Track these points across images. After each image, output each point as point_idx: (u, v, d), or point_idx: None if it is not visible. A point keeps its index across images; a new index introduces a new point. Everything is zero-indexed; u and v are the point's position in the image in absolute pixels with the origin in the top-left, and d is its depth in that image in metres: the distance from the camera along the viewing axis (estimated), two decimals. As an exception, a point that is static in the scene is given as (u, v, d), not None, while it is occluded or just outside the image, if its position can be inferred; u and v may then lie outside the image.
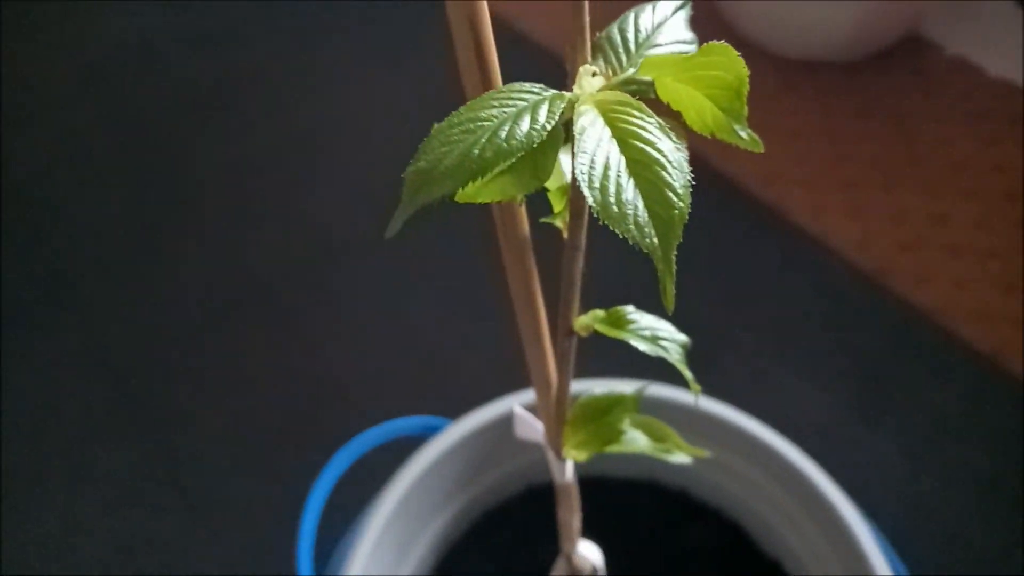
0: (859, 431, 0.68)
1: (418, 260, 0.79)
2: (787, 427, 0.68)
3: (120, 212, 0.86)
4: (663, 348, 0.22)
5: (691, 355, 0.80)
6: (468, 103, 0.14)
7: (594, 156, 0.13)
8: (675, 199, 0.13)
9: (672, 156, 0.13)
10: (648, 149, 0.13)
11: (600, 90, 0.15)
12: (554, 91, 0.15)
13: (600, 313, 0.22)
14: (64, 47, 1.03)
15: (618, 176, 0.13)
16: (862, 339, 0.74)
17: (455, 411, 0.46)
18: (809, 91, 0.92)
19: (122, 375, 0.73)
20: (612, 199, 0.13)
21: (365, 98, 0.95)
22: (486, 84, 0.16)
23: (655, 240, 0.13)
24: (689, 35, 0.18)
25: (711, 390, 0.70)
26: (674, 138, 0.14)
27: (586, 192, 0.13)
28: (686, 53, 0.17)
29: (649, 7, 0.18)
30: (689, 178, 0.14)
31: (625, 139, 0.13)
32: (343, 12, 1.05)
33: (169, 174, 0.89)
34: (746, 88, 0.14)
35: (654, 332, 0.22)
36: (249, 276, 0.80)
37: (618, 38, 0.17)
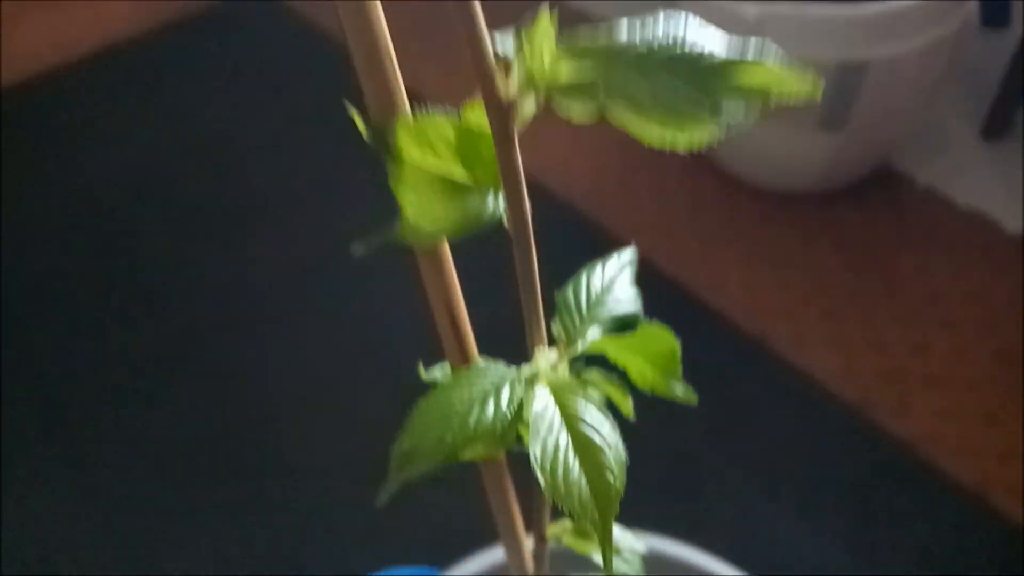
0: (850, 567, 0.69)
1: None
2: (776, 564, 0.69)
3: (112, 344, 0.88)
4: (625, 561, 0.23)
5: (675, 489, 0.82)
6: (443, 384, 0.17)
7: (546, 440, 0.16)
8: (612, 479, 0.15)
9: (611, 439, 0.16)
10: (591, 433, 0.16)
11: (554, 366, 0.18)
12: (515, 371, 0.17)
13: (569, 524, 0.24)
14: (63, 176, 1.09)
15: (566, 458, 0.15)
16: (848, 471, 0.76)
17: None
18: (788, 223, 0.96)
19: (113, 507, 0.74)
20: (560, 479, 0.15)
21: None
22: (462, 355, 0.19)
23: (596, 515, 0.15)
24: (632, 292, 0.21)
25: (696, 525, 0.72)
26: (612, 421, 0.16)
27: (538, 474, 0.15)
28: (631, 313, 0.19)
29: (599, 267, 0.21)
30: (624, 458, 0.16)
31: (572, 424, 0.16)
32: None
33: (167, 302, 0.92)
34: (678, 356, 0.17)
35: (617, 544, 0.24)
36: (247, 407, 0.82)
37: (572, 300, 0.20)
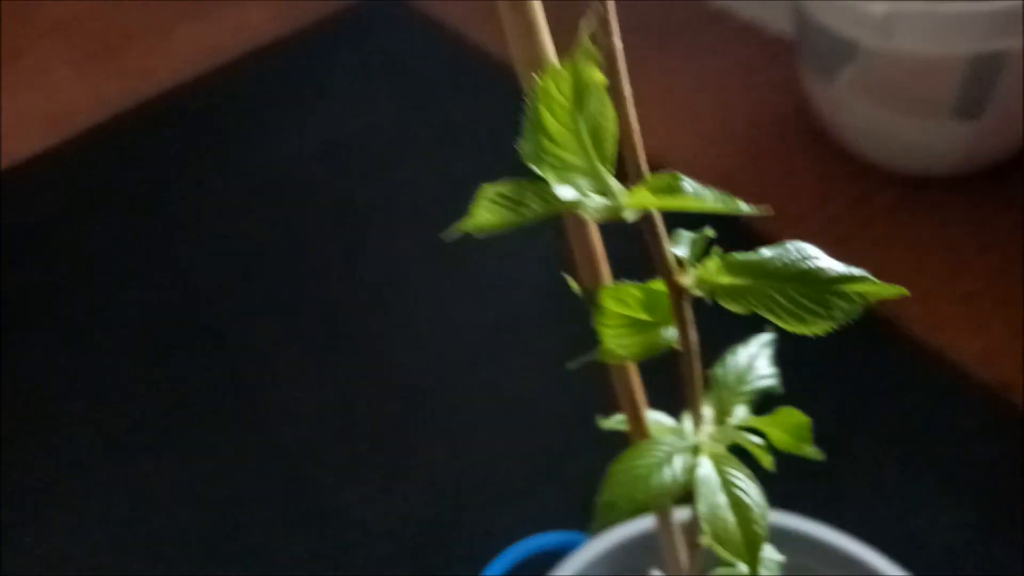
0: (986, 548, 0.72)
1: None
2: (911, 542, 0.73)
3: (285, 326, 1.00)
4: (766, 568, 0.29)
5: (809, 468, 0.87)
6: (629, 453, 0.23)
7: (709, 499, 0.22)
8: (758, 529, 0.22)
9: (756, 499, 0.22)
10: (742, 495, 0.22)
11: (712, 437, 0.24)
12: (681, 441, 0.24)
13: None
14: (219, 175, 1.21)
15: (724, 514, 0.22)
16: (985, 454, 0.78)
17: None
18: (922, 206, 0.97)
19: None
20: (720, 529, 0.22)
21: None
22: (641, 431, 0.26)
23: (746, 555, 0.22)
24: (772, 369, 0.27)
25: (829, 501, 0.76)
26: (756, 484, 0.22)
27: (703, 524, 0.22)
28: (771, 385, 0.25)
29: (744, 348, 0.27)
30: (767, 510, 0.22)
31: (728, 487, 0.22)
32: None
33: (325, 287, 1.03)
34: (808, 428, 0.23)
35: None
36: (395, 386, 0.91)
37: (722, 377, 0.26)
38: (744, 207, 0.20)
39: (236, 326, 1.01)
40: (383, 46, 1.41)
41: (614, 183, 0.20)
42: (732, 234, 0.99)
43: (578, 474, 0.80)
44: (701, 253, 0.22)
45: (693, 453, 0.22)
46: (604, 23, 0.18)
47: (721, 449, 0.23)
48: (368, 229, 1.10)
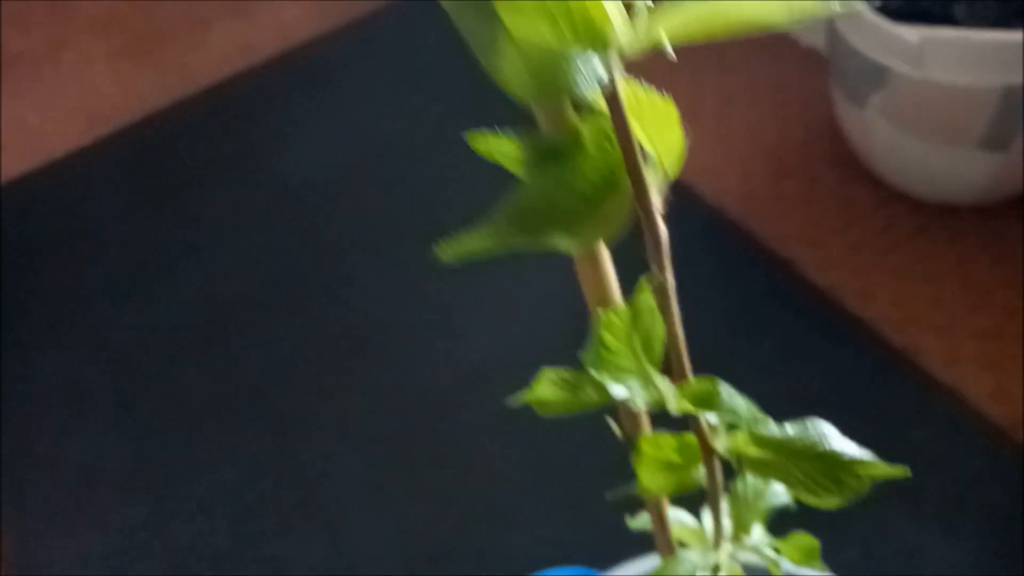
0: (985, 588, 0.72)
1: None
2: (912, 579, 0.73)
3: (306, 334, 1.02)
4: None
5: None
6: (659, 569, 0.25)
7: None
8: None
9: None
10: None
11: (731, 556, 0.26)
12: (704, 559, 0.25)
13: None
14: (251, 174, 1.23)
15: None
16: (991, 494, 0.78)
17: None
18: (944, 235, 0.96)
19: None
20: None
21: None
22: (669, 548, 0.27)
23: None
24: (784, 489, 0.28)
25: (832, 538, 0.77)
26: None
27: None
28: (786, 504, 0.27)
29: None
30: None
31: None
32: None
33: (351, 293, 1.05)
34: (818, 551, 0.25)
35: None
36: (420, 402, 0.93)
37: (741, 493, 0.28)
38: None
39: (256, 334, 1.03)
40: (416, 47, 1.42)
41: (661, 383, 0.22)
42: (753, 257, 0.99)
43: (593, 501, 0.81)
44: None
45: (714, 571, 0.24)
46: (659, 262, 0.21)
47: (738, 570, 0.25)
48: (392, 238, 1.12)
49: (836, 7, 0.18)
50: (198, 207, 1.20)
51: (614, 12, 0.16)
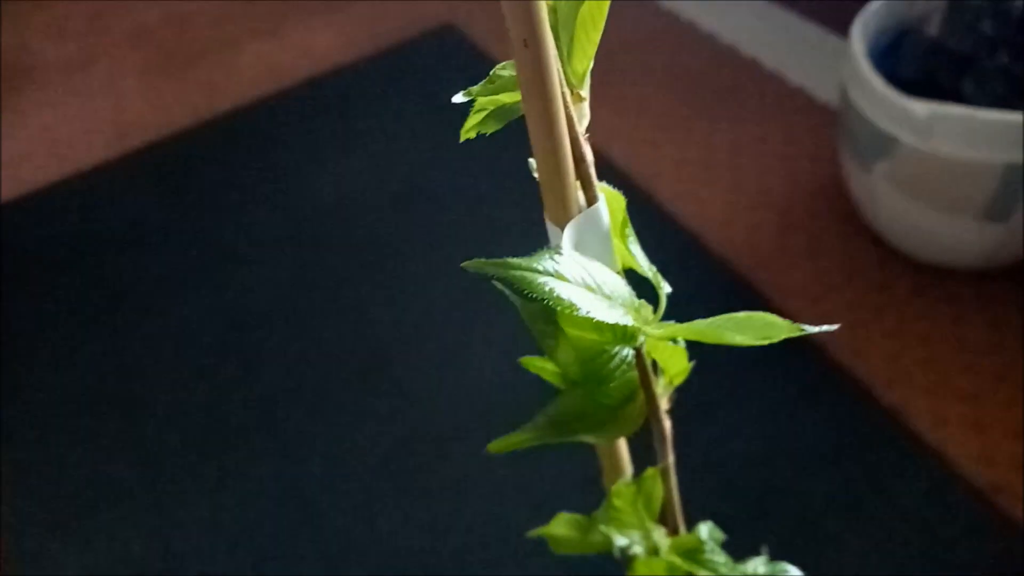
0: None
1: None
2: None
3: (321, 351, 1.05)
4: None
5: (795, 550, 0.91)
6: None
7: None
8: None
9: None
10: None
11: None
12: None
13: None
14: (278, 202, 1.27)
15: None
16: (972, 557, 0.80)
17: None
18: (941, 297, 0.99)
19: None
20: None
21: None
22: None
23: None
24: None
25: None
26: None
27: None
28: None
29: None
30: None
31: None
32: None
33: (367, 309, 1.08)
34: None
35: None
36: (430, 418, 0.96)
37: None
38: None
39: (272, 358, 1.06)
40: (441, 78, 1.46)
41: (658, 536, 0.25)
42: (755, 306, 1.02)
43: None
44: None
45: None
46: (663, 449, 0.25)
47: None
48: (411, 267, 1.15)
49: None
50: (217, 227, 1.24)
51: (640, 318, 0.21)
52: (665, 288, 0.28)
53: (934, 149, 0.86)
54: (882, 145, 0.91)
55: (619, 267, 0.26)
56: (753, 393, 0.95)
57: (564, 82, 0.21)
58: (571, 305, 0.19)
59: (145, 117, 1.40)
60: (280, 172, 1.31)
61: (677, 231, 1.11)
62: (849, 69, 0.94)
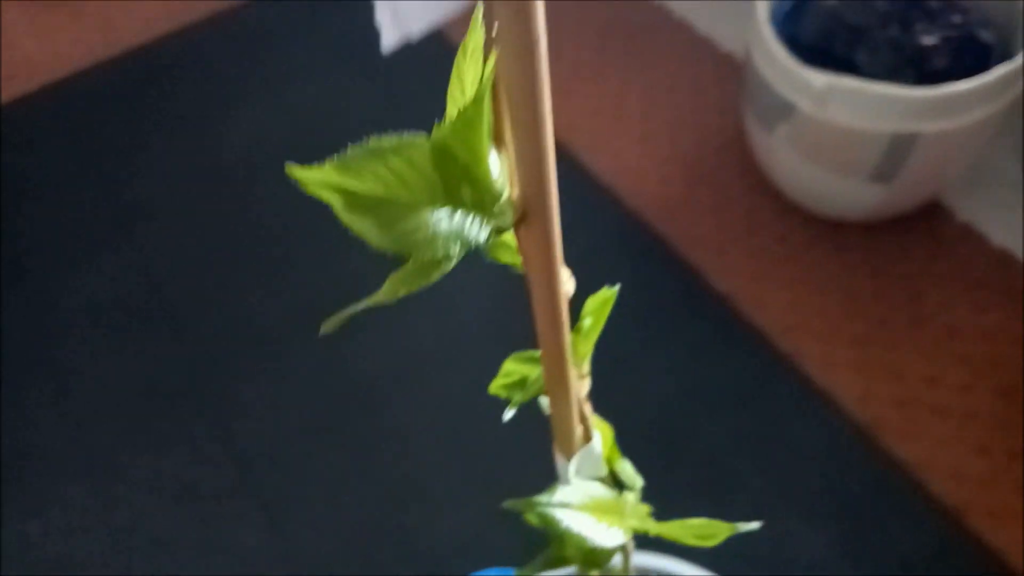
0: (841, 568, 0.86)
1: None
2: (785, 563, 0.86)
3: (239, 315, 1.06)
4: None
5: (703, 490, 1.00)
6: None
7: None
8: None
9: None
10: None
11: None
12: None
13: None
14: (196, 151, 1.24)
15: None
16: (853, 488, 0.91)
17: None
18: (833, 248, 1.08)
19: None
20: None
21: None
22: None
23: None
24: None
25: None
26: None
27: None
28: None
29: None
30: None
31: None
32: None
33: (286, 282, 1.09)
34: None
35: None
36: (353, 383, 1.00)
37: None
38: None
39: (192, 315, 1.05)
40: (361, 18, 1.42)
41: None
42: (664, 260, 1.09)
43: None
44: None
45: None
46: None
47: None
48: (332, 223, 1.14)
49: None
50: (128, 175, 1.20)
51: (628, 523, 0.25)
52: (639, 483, 0.33)
53: (829, 117, 0.92)
54: (782, 110, 0.96)
55: (606, 471, 0.32)
56: (665, 343, 1.02)
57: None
58: (580, 536, 0.25)
59: (36, 62, 1.32)
60: (188, 118, 1.28)
61: (591, 182, 1.15)
62: (753, 34, 0.98)
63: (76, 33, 1.36)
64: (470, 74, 0.18)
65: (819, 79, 0.90)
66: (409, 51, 1.36)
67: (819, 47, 0.97)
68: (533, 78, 0.16)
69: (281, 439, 0.95)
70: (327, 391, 0.99)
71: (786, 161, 1.03)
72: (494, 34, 0.16)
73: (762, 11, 0.97)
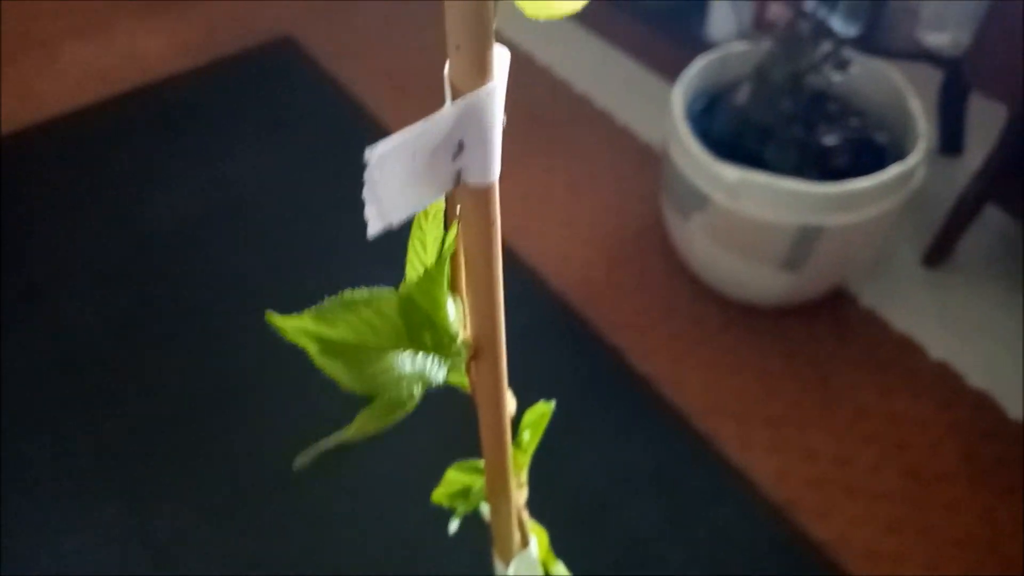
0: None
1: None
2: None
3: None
4: None
5: (628, 568, 1.00)
6: None
7: None
8: None
9: None
10: None
11: None
12: None
13: None
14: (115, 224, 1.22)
15: None
16: (771, 569, 0.93)
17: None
18: (746, 331, 1.12)
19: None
20: None
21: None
22: None
23: None
24: None
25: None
26: None
27: None
28: None
29: None
30: None
31: None
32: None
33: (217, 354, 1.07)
34: None
35: None
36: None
37: None
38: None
39: (110, 404, 1.02)
40: (279, 93, 1.44)
41: None
42: (588, 342, 1.11)
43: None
44: None
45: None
46: None
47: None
48: (249, 289, 1.13)
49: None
50: (43, 246, 1.17)
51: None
52: None
53: (741, 209, 0.97)
54: (697, 201, 1.01)
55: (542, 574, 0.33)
56: (589, 426, 1.03)
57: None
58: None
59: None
60: (108, 191, 1.25)
61: (518, 265, 1.18)
62: (669, 128, 1.04)
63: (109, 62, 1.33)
64: (431, 233, 0.21)
65: (732, 173, 0.95)
66: (339, 128, 1.38)
67: (731, 142, 1.03)
68: (489, 248, 0.18)
69: (193, 525, 0.92)
70: (241, 472, 0.97)
71: (701, 248, 1.08)
72: (457, 212, 0.18)
73: (678, 107, 1.03)
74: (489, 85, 0.19)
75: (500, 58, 0.19)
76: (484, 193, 0.20)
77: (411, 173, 0.18)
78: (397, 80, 1.48)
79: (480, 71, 0.18)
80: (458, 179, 0.19)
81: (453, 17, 0.17)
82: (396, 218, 0.18)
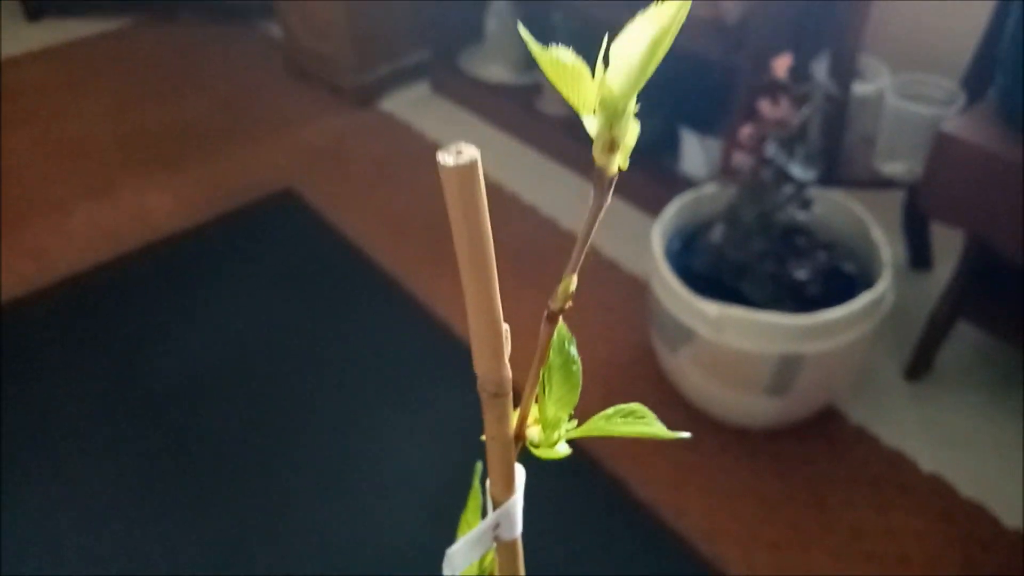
0: None
1: None
2: None
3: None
4: None
5: None
6: None
7: None
8: None
9: None
10: None
11: None
12: None
13: None
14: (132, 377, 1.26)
15: None
16: None
17: None
18: (742, 454, 1.16)
19: None
20: None
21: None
22: None
23: None
24: None
25: None
26: None
27: None
28: None
29: None
30: None
31: None
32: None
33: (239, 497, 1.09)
34: None
35: None
36: None
37: None
38: None
39: (106, 551, 1.04)
40: (282, 244, 1.51)
41: None
42: (591, 474, 1.14)
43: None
44: None
45: None
46: None
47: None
48: (262, 450, 1.17)
49: None
50: (50, 402, 1.21)
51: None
52: None
53: (725, 341, 1.03)
54: (683, 334, 1.07)
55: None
56: (594, 555, 1.05)
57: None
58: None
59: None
60: (115, 348, 1.31)
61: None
62: (651, 267, 1.10)
63: (8, 262, 1.40)
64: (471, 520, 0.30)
65: (712, 308, 1.01)
66: (341, 274, 1.44)
67: (711, 276, 1.10)
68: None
69: None
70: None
71: (691, 377, 1.13)
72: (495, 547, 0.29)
73: (657, 247, 1.10)
74: (514, 497, 0.31)
75: (519, 475, 0.31)
76: (512, 543, 0.33)
77: (470, 549, 0.31)
78: (392, 223, 1.56)
79: (507, 488, 0.31)
80: (495, 540, 0.32)
81: (495, 473, 0.30)
82: (459, 570, 0.30)
